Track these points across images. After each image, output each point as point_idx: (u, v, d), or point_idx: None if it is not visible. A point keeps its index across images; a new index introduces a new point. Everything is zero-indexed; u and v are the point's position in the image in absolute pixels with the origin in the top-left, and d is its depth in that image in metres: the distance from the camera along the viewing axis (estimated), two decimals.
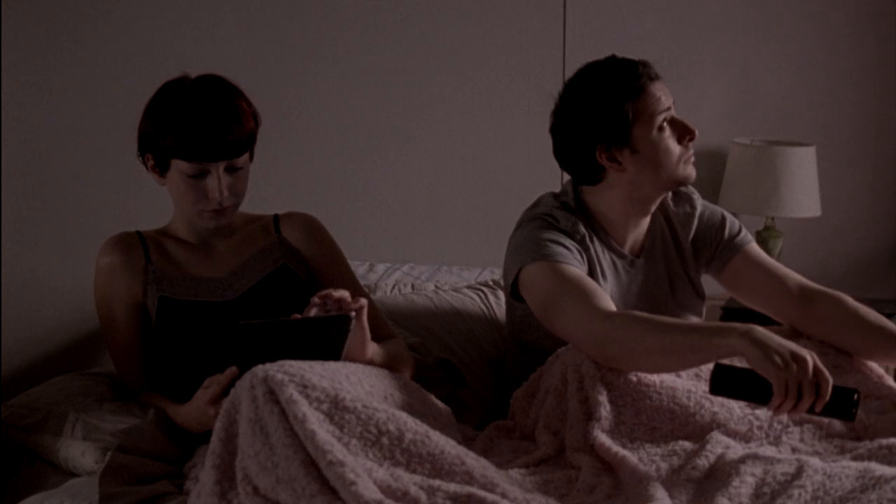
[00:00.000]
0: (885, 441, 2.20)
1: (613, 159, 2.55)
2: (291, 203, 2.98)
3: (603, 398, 2.29)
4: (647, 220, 2.67)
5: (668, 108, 2.57)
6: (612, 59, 2.60)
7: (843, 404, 2.15)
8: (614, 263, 2.64)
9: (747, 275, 2.70)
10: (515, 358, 2.73)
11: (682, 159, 2.57)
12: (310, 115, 3.20)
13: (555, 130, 2.62)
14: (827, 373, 2.14)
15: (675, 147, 2.56)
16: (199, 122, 2.42)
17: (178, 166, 2.45)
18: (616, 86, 2.54)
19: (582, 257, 2.56)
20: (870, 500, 1.96)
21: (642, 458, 2.19)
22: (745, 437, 2.26)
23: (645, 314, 2.35)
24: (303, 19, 3.15)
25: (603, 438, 2.23)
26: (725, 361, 2.27)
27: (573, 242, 2.56)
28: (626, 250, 2.66)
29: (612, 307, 2.42)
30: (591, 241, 2.60)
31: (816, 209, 3.57)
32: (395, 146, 3.29)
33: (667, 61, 3.51)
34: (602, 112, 2.53)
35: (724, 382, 2.18)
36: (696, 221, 2.72)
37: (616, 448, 2.20)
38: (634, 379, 2.32)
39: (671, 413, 2.30)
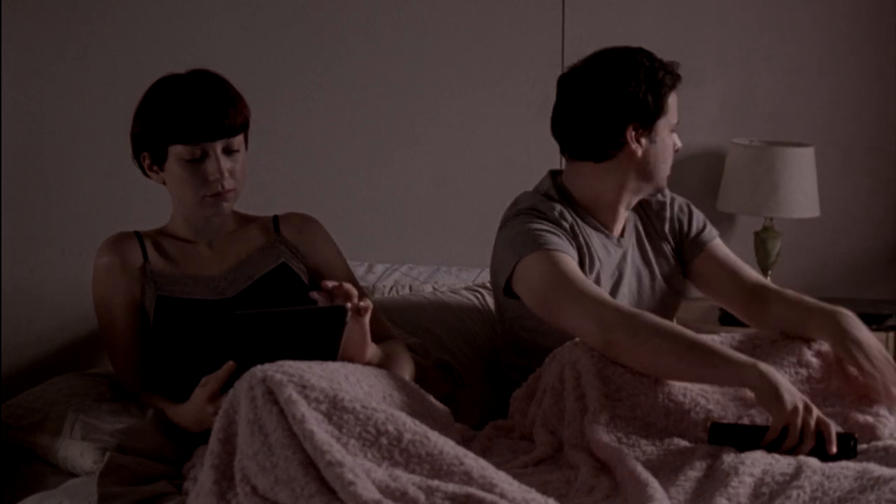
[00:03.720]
0: (881, 443, 2.20)
1: (637, 141, 2.58)
2: (291, 203, 2.97)
3: (598, 393, 2.29)
4: (627, 215, 2.70)
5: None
6: (648, 51, 2.63)
7: (843, 449, 2.19)
8: (604, 243, 2.65)
9: (710, 271, 2.72)
10: (511, 361, 2.73)
11: (668, 168, 2.64)
12: (309, 116, 3.20)
13: (583, 93, 2.60)
14: (828, 420, 2.19)
15: (672, 153, 2.64)
16: (195, 104, 2.46)
17: (176, 152, 2.46)
18: (663, 73, 2.59)
19: (572, 245, 2.57)
20: (868, 500, 1.97)
21: (638, 457, 2.20)
22: None
23: (656, 317, 2.37)
24: (303, 19, 3.15)
25: (600, 434, 2.23)
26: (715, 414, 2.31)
27: (563, 231, 2.57)
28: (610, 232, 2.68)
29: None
30: (579, 226, 2.61)
31: (815, 210, 3.57)
32: (394, 147, 3.29)
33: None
34: (647, 92, 2.56)
35: (722, 438, 2.23)
36: (668, 211, 2.75)
37: (614, 445, 2.20)
38: (630, 375, 2.32)
39: (666, 409, 2.30)
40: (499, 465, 2.15)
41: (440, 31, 3.30)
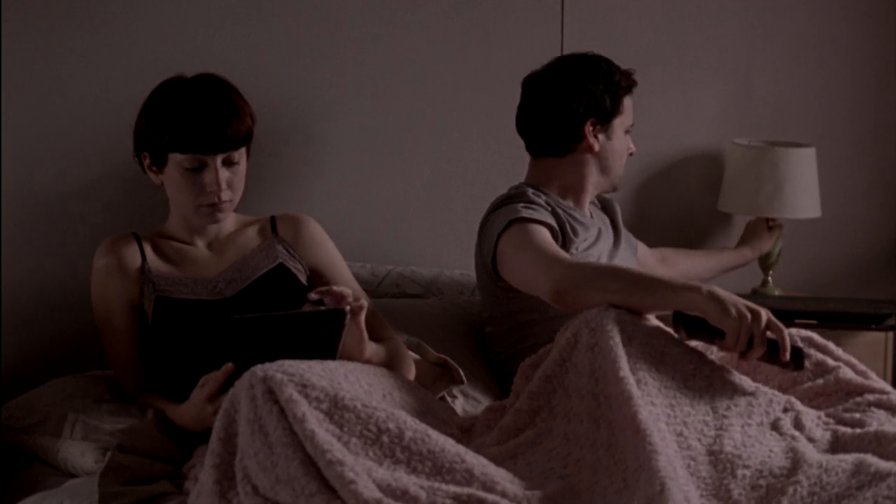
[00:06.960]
0: (872, 430, 2.19)
1: (594, 136, 2.79)
2: (293, 205, 2.98)
3: (620, 346, 2.21)
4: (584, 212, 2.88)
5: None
6: (606, 58, 2.85)
7: (793, 356, 2.22)
8: (578, 219, 2.81)
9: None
10: (509, 356, 2.78)
11: (622, 169, 2.88)
12: (311, 116, 3.20)
13: (545, 92, 2.81)
14: (781, 325, 2.21)
15: (626, 154, 2.87)
16: (197, 115, 2.45)
17: (176, 159, 2.46)
18: (619, 76, 2.81)
19: (550, 214, 2.71)
20: (865, 498, 1.97)
21: (651, 413, 2.14)
22: (744, 413, 2.23)
23: (599, 262, 2.62)
24: (303, 21, 3.15)
25: (623, 364, 2.16)
26: None
27: (540, 206, 2.71)
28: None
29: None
30: (555, 202, 2.78)
31: (816, 210, 3.56)
32: (395, 148, 3.29)
33: (665, 61, 3.53)
34: (604, 91, 2.78)
35: (682, 322, 2.26)
36: (614, 206, 3.02)
37: (630, 388, 2.12)
38: (648, 329, 2.29)
39: (683, 373, 2.25)
40: (478, 448, 2.14)
41: (440, 32, 3.30)
